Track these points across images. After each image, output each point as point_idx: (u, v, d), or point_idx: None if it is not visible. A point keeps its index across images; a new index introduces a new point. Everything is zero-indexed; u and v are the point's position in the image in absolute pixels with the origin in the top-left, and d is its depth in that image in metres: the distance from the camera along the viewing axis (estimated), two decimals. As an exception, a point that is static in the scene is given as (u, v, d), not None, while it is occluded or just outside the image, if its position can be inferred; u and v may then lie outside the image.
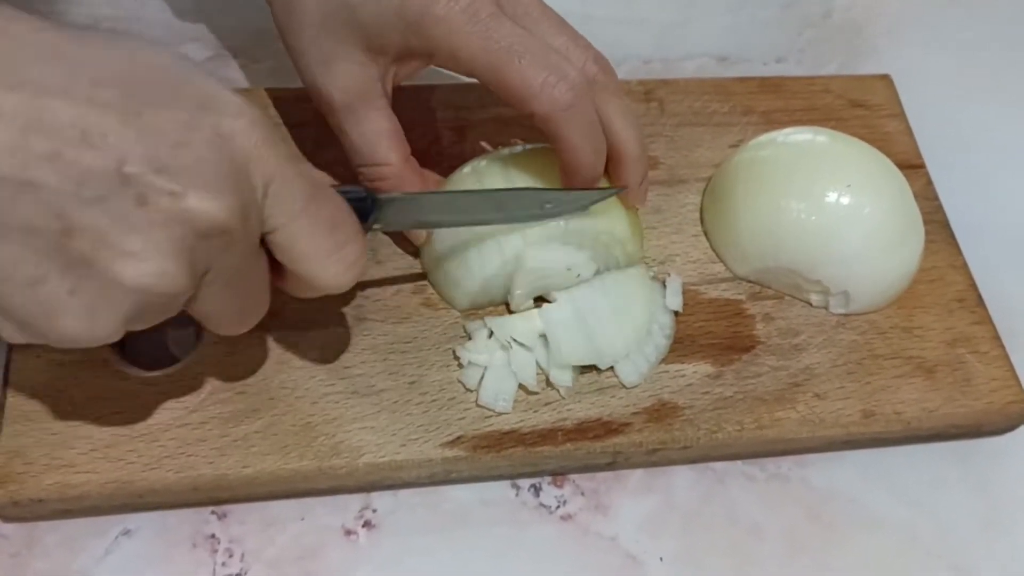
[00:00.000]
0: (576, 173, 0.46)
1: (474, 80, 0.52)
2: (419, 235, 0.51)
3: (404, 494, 0.48)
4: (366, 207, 0.43)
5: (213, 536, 0.46)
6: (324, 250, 0.38)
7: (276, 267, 0.40)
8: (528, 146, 0.52)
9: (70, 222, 0.32)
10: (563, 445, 0.47)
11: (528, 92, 0.43)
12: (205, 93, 0.35)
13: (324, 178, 0.40)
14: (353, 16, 0.45)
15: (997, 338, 0.53)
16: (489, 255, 0.49)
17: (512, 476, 0.49)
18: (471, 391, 0.48)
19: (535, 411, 0.48)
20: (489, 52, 0.43)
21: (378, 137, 0.48)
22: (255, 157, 0.35)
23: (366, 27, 0.45)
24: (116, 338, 0.35)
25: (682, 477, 0.50)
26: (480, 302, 0.50)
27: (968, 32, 0.72)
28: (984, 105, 0.68)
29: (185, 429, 0.45)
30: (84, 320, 0.33)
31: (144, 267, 0.33)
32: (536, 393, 0.49)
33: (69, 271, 0.32)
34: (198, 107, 0.34)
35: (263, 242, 0.38)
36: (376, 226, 0.44)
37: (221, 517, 0.47)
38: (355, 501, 0.48)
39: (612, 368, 0.49)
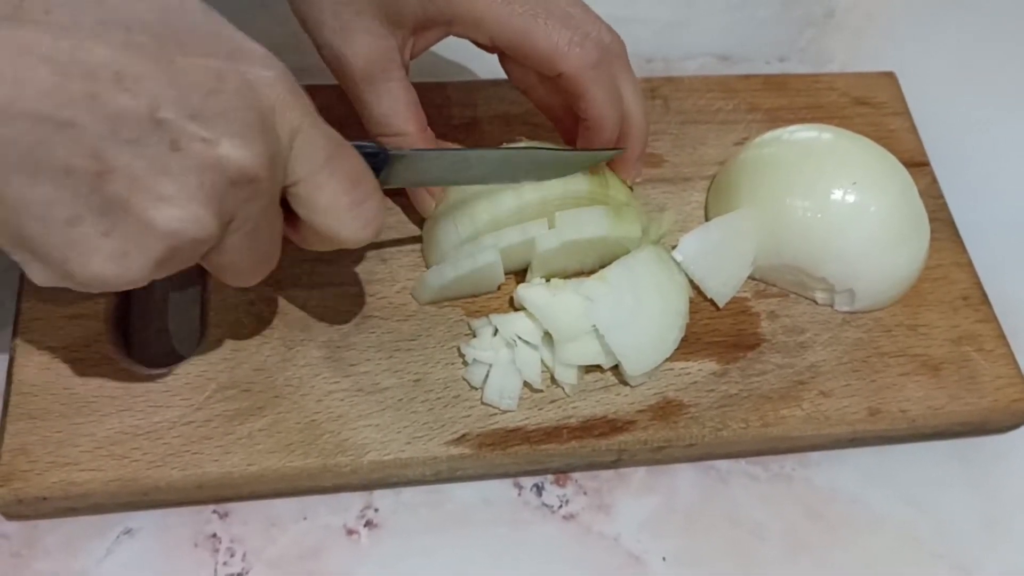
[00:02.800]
0: (601, 130, 0.48)
1: (478, 78, 0.52)
2: (427, 205, 0.51)
3: (406, 494, 0.48)
4: (378, 162, 0.43)
5: (215, 535, 0.46)
6: (345, 204, 0.39)
7: (290, 220, 0.40)
8: (532, 143, 0.52)
9: (106, 163, 0.32)
10: (568, 443, 0.47)
11: (556, 52, 0.45)
12: (234, 43, 0.35)
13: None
14: None
15: (1002, 336, 0.53)
16: (481, 209, 0.49)
17: (516, 474, 0.49)
18: (476, 389, 0.48)
19: (540, 409, 0.48)
20: (513, 16, 0.45)
21: (396, 107, 0.48)
22: (282, 108, 0.36)
23: None
24: (143, 283, 0.35)
25: (684, 477, 0.50)
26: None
27: (971, 29, 0.72)
28: (987, 102, 0.68)
29: (190, 427, 0.45)
30: (116, 262, 0.34)
31: (177, 211, 0.33)
32: (541, 391, 0.48)
33: (104, 213, 0.33)
34: (228, 56, 0.35)
35: (282, 194, 0.39)
36: (389, 182, 0.45)
37: (223, 516, 0.47)
38: (357, 500, 0.48)
39: (617, 365, 0.49)
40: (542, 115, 0.53)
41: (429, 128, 0.50)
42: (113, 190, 0.32)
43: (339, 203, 0.38)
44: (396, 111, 0.48)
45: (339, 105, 0.47)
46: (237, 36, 0.36)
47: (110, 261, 0.34)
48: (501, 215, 0.49)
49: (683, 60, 0.68)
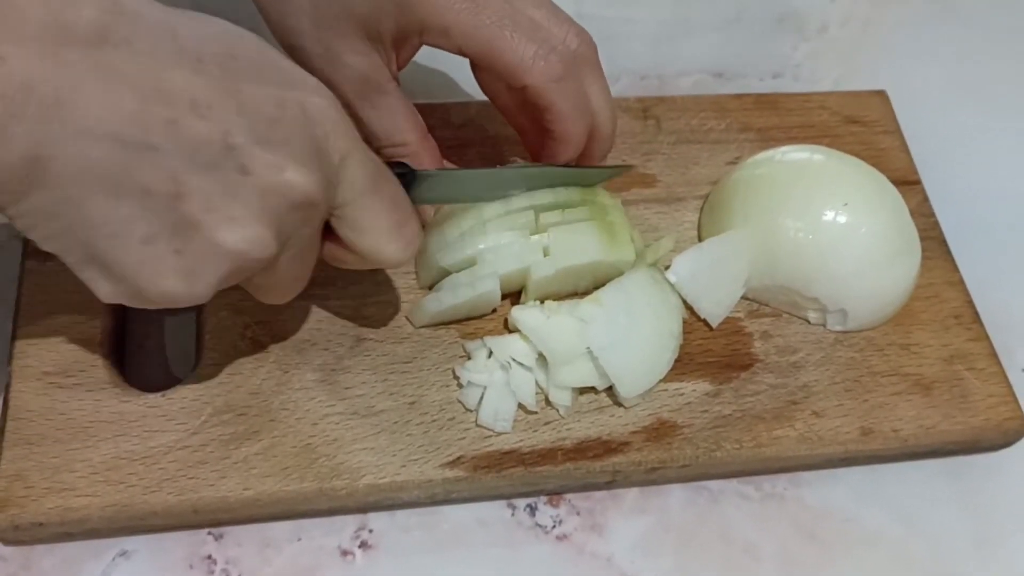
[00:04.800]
0: (567, 143, 0.48)
1: (473, 99, 0.52)
2: (427, 213, 0.52)
3: (400, 515, 0.48)
4: (406, 182, 0.44)
5: (210, 557, 0.47)
6: (388, 226, 0.41)
7: (326, 240, 0.42)
8: (527, 164, 0.53)
9: (183, 186, 0.34)
10: (563, 465, 0.47)
11: (521, 65, 0.45)
12: (289, 73, 0.37)
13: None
14: (346, 8, 0.46)
15: (994, 355, 0.53)
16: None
17: (511, 496, 0.49)
18: (471, 411, 0.48)
19: (535, 431, 0.48)
20: (480, 28, 0.45)
21: (395, 119, 0.49)
22: (334, 135, 0.38)
23: (361, 16, 0.46)
24: (204, 300, 0.37)
25: (677, 497, 0.51)
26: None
27: (963, 47, 0.73)
28: (979, 120, 0.68)
29: (186, 451, 0.45)
30: (185, 280, 0.35)
31: (244, 233, 0.35)
32: (535, 413, 0.49)
33: (177, 232, 0.34)
34: (285, 85, 0.36)
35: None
36: (416, 201, 0.45)
37: (218, 538, 0.47)
38: (352, 522, 0.48)
39: (611, 387, 0.49)
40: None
41: (429, 134, 0.50)
42: (187, 211, 0.34)
43: (383, 225, 0.40)
44: (395, 123, 0.49)
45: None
46: (290, 66, 0.38)
47: (179, 278, 0.35)
48: (487, 217, 0.50)
49: (677, 77, 0.69)
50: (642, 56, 0.69)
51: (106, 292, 0.36)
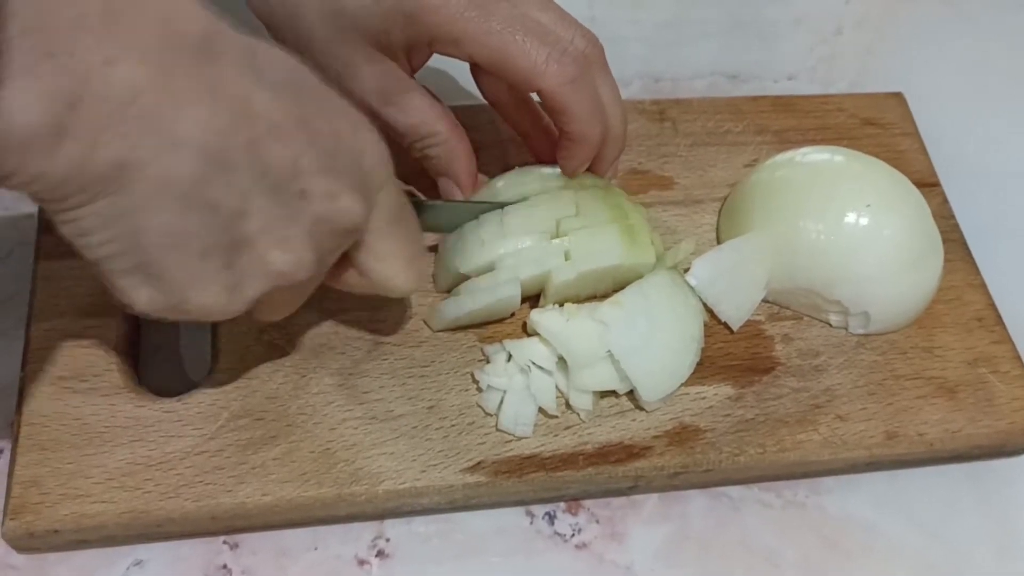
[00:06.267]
0: (583, 144, 0.48)
1: (484, 102, 0.52)
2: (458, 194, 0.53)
3: (417, 523, 0.48)
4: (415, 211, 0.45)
5: (225, 567, 0.46)
6: (405, 257, 0.42)
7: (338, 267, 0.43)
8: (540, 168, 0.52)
9: (249, 204, 0.34)
10: (585, 469, 0.47)
11: (534, 70, 0.45)
12: (344, 107, 0.39)
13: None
14: (354, 21, 0.46)
15: (1017, 357, 0.53)
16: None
17: (531, 502, 0.49)
18: (491, 415, 0.48)
19: (555, 435, 0.48)
20: (491, 35, 0.45)
21: (422, 113, 0.49)
22: (377, 167, 0.39)
23: (369, 28, 0.46)
24: (237, 315, 0.37)
25: (697, 504, 0.50)
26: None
27: (978, 48, 0.72)
28: (997, 121, 0.68)
29: (203, 457, 0.45)
30: (228, 294, 0.36)
31: (292, 255, 0.36)
32: (556, 417, 0.48)
33: (233, 248, 0.35)
34: (341, 116, 0.38)
35: None
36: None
37: (233, 547, 0.46)
38: (368, 530, 0.47)
39: (632, 391, 0.48)
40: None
41: (458, 123, 0.50)
42: (246, 229, 0.35)
43: (400, 255, 0.42)
44: (423, 117, 0.49)
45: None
46: (342, 100, 0.39)
47: (223, 293, 0.36)
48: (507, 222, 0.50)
49: (692, 79, 0.68)
50: (656, 58, 0.69)
51: (144, 302, 0.36)
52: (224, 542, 0.46)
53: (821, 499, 0.51)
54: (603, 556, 0.48)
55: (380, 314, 0.50)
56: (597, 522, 0.49)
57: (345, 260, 0.42)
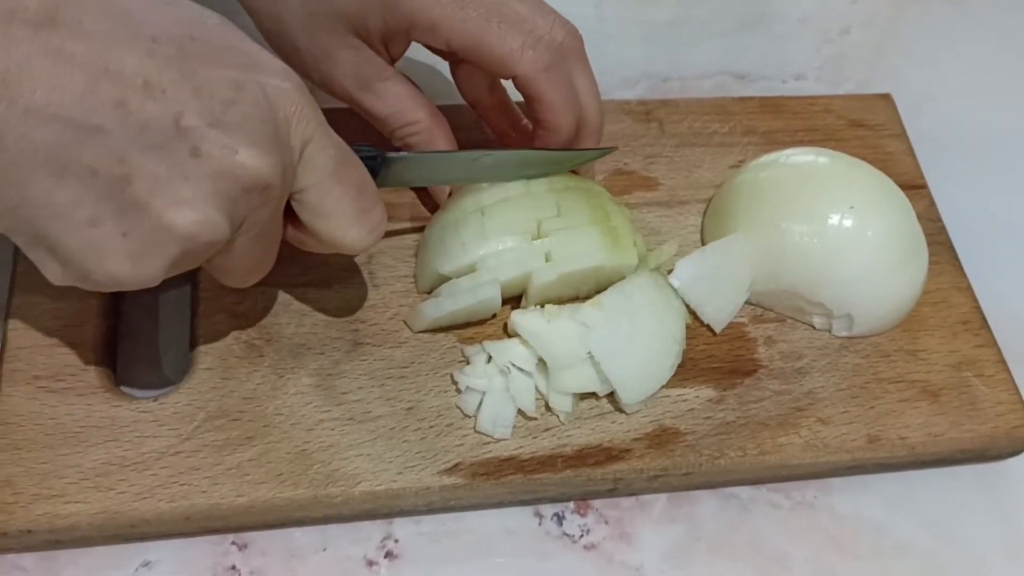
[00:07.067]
0: (557, 131, 0.48)
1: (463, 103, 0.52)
2: (442, 194, 0.52)
3: (427, 524, 0.48)
4: (376, 165, 0.45)
5: (234, 567, 0.46)
6: (352, 212, 0.41)
7: (289, 223, 0.42)
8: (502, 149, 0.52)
9: (130, 167, 0.33)
10: (563, 472, 0.47)
11: (511, 56, 0.46)
12: (252, 55, 0.37)
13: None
14: (334, 8, 0.46)
15: (1002, 361, 0.53)
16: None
17: (511, 504, 0.48)
18: (469, 417, 0.47)
19: (534, 437, 0.47)
20: (467, 22, 0.45)
21: (401, 101, 0.49)
22: (296, 119, 0.38)
23: (349, 15, 0.46)
24: (155, 283, 0.36)
25: (706, 505, 0.50)
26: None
27: (982, 49, 0.72)
28: (1007, 117, 0.67)
29: (178, 457, 0.44)
30: (132, 262, 0.35)
31: (194, 215, 0.35)
32: (535, 419, 0.48)
33: (124, 214, 0.34)
34: (246, 68, 0.36)
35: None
36: (385, 184, 0.46)
37: (242, 548, 0.46)
38: (377, 531, 0.47)
39: (612, 393, 0.48)
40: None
41: (438, 111, 0.50)
42: (134, 193, 0.34)
43: (346, 210, 0.40)
44: (402, 104, 0.49)
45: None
46: (254, 49, 0.37)
47: (127, 261, 0.35)
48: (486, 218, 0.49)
49: (700, 79, 0.68)
50: (663, 58, 0.69)
51: (55, 275, 0.36)
52: (233, 543, 0.46)
53: (830, 499, 0.51)
54: (612, 557, 0.48)
55: (360, 314, 0.50)
56: (606, 523, 0.49)
57: (297, 218, 0.41)
